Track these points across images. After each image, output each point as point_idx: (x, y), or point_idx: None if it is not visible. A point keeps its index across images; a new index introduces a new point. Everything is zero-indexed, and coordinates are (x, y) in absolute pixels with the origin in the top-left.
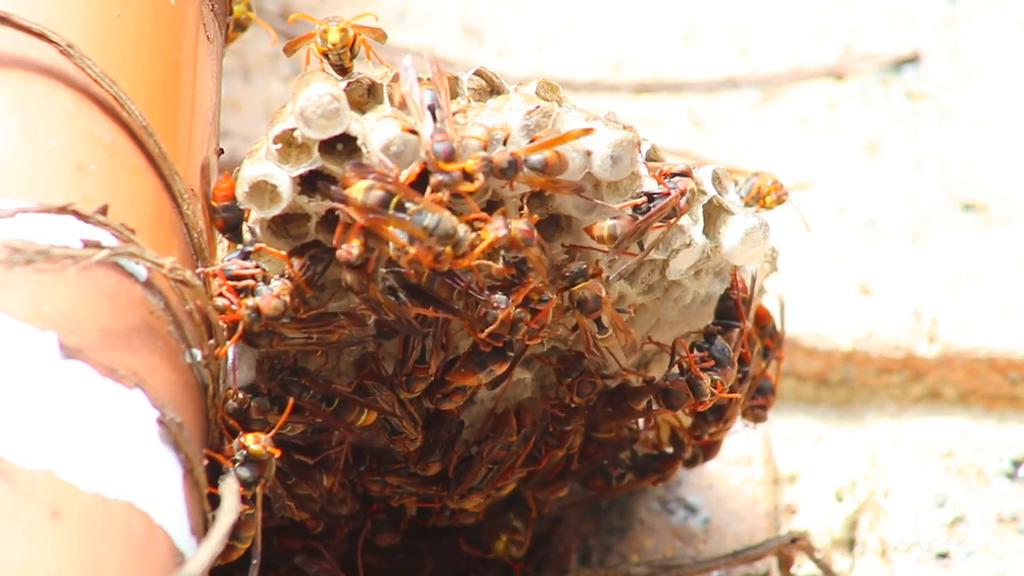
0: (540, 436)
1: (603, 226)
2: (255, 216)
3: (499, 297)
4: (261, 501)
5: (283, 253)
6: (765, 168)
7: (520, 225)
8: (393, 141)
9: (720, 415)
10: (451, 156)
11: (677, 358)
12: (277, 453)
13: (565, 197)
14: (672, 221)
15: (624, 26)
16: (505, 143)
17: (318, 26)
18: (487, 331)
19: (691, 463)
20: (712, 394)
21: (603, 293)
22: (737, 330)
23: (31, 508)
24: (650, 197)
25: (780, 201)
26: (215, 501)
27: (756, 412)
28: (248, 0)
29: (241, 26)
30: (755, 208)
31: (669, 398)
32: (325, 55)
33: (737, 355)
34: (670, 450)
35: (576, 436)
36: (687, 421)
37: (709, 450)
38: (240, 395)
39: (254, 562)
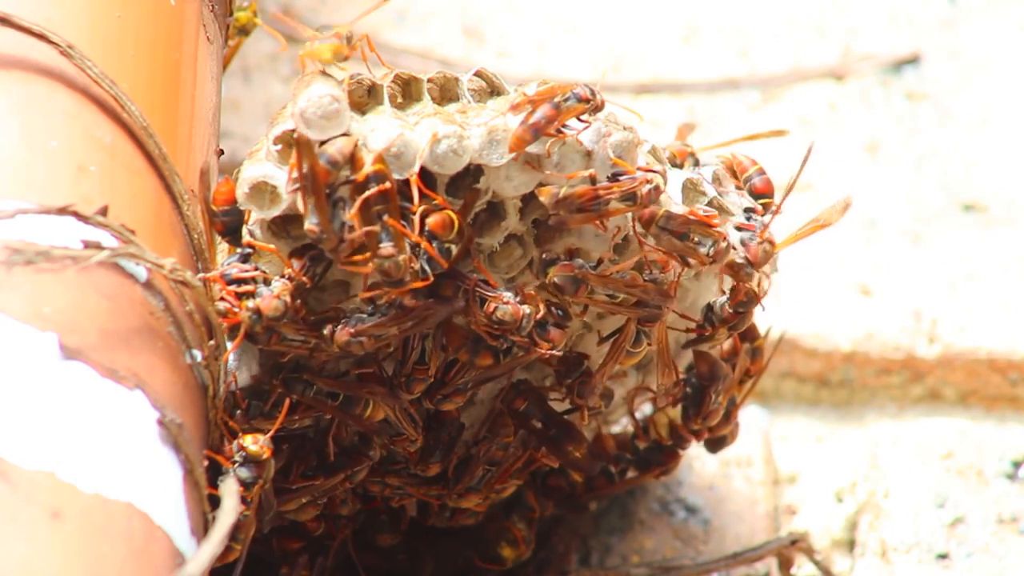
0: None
1: (550, 190)
2: (255, 217)
3: (507, 294)
4: (257, 503)
5: (272, 247)
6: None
7: None
8: (394, 143)
9: (699, 409)
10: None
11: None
12: (268, 453)
13: None
14: (631, 206)
15: (624, 26)
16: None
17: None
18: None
19: (718, 446)
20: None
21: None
22: None
23: (31, 509)
24: (615, 177)
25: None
26: (215, 502)
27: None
28: (254, 7)
29: (245, 32)
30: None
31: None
32: None
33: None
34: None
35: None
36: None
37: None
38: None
39: (239, 561)
